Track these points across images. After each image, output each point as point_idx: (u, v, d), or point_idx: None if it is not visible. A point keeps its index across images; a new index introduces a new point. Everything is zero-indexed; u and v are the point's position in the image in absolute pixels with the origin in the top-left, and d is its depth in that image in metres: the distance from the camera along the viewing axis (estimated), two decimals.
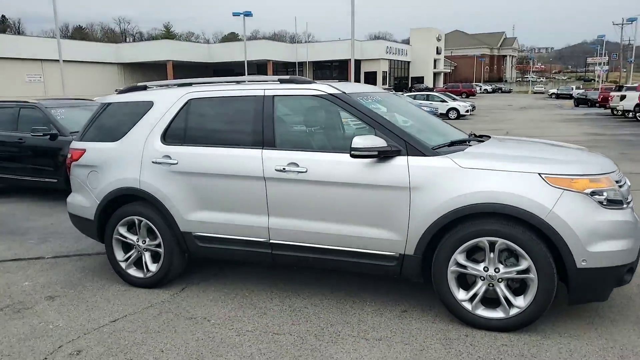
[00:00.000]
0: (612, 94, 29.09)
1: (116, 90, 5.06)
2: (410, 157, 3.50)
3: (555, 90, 63.49)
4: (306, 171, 3.67)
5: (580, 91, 50.69)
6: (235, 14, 38.64)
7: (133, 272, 4.41)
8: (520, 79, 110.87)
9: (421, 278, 3.60)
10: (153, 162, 4.16)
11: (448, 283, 3.46)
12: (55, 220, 6.92)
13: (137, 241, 4.33)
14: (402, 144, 3.54)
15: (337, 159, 3.64)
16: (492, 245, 3.30)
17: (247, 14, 38.41)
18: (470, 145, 3.86)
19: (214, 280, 4.48)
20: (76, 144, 4.62)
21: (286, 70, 55.83)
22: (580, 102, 42.51)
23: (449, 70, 79.46)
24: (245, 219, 3.92)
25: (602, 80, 67.29)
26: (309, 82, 3.96)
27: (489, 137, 4.33)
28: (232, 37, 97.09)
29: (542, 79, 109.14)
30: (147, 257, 4.33)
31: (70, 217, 4.80)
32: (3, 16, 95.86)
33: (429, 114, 4.96)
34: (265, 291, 4.20)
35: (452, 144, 3.86)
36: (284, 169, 3.73)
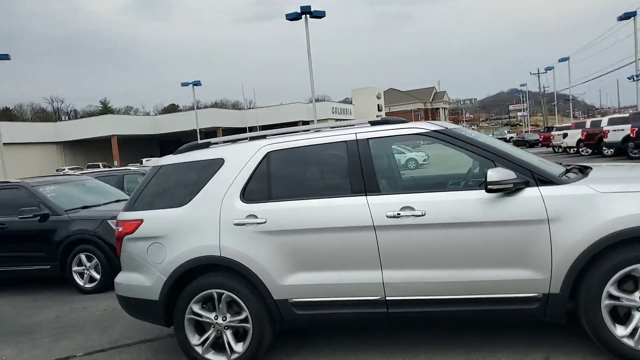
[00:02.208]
0: (553, 133, 31.21)
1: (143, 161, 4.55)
2: (542, 187, 3.24)
3: (491, 136, 67.09)
4: (424, 214, 3.31)
5: (513, 134, 54.77)
6: (184, 84, 38.59)
7: (212, 356, 3.76)
8: None
9: (564, 318, 3.26)
10: (235, 224, 3.66)
11: (603, 319, 3.13)
12: (59, 313, 6.04)
13: (216, 319, 3.72)
14: (528, 174, 3.29)
15: (459, 197, 3.32)
16: None
17: (197, 84, 38.46)
18: (585, 172, 3.66)
19: (304, 353, 3.90)
20: (128, 215, 4.03)
21: None
22: (519, 144, 44.95)
23: None
24: (353, 276, 3.45)
25: (527, 124, 72.88)
26: (404, 122, 3.69)
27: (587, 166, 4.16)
28: (172, 109, 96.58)
29: (473, 127, 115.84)
30: (229, 336, 3.71)
31: (122, 301, 4.11)
32: None
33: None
34: (373, 356, 3.67)
35: (568, 171, 3.66)
36: (398, 214, 3.35)
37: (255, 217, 3.63)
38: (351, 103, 63.82)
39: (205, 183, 3.85)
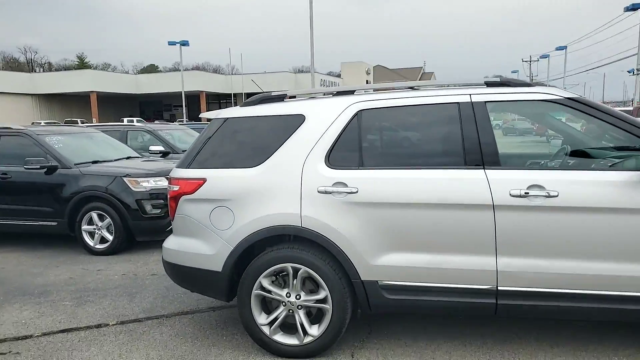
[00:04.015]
0: None
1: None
2: None
3: None
4: (557, 195, 2.89)
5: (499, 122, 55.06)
6: (171, 43, 37.05)
7: (281, 338, 3.32)
8: None
9: None
10: (320, 191, 3.18)
11: None
12: (72, 274, 5.49)
13: (288, 296, 3.27)
14: None
15: (601, 178, 2.89)
16: None
17: (184, 44, 36.97)
18: None
19: (378, 338, 3.50)
20: (186, 172, 3.49)
21: (219, 101, 54.35)
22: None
23: None
24: (460, 261, 3.03)
25: None
26: (529, 85, 3.21)
27: None
28: (151, 69, 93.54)
29: None
30: (302, 316, 3.27)
31: (171, 269, 3.61)
32: None
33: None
34: (454, 346, 3.30)
35: None
36: (526, 193, 2.92)
37: (345, 185, 3.15)
38: (339, 76, 62.78)
39: (283, 142, 3.34)
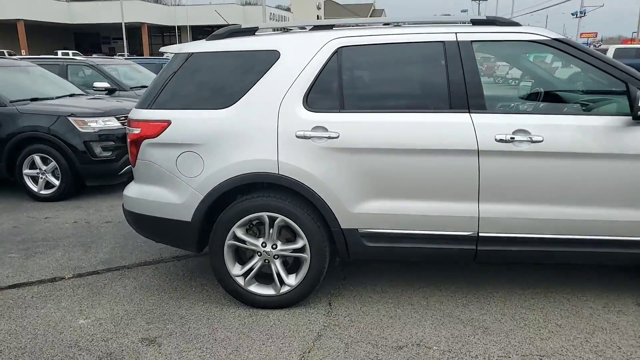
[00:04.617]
0: None
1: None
2: None
3: None
4: (542, 141, 2.81)
5: None
6: None
7: (256, 289, 3.19)
8: None
9: None
10: (298, 136, 2.96)
11: None
12: (16, 223, 5.11)
13: (264, 246, 3.12)
14: None
15: (587, 123, 2.83)
16: None
17: None
18: None
19: (354, 285, 3.44)
20: (147, 113, 3.16)
21: (162, 34, 51.38)
22: None
23: None
24: (441, 208, 2.95)
25: None
26: (515, 24, 3.05)
27: None
28: None
29: None
30: (278, 266, 3.14)
31: (134, 218, 3.35)
32: None
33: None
34: (431, 291, 3.30)
35: None
36: (511, 138, 2.82)
37: (325, 129, 2.95)
38: (289, 10, 60.57)
39: (256, 81, 3.06)
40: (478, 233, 2.95)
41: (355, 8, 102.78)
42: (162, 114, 3.12)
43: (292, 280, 3.14)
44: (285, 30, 3.36)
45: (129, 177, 6.19)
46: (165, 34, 51.12)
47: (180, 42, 45.94)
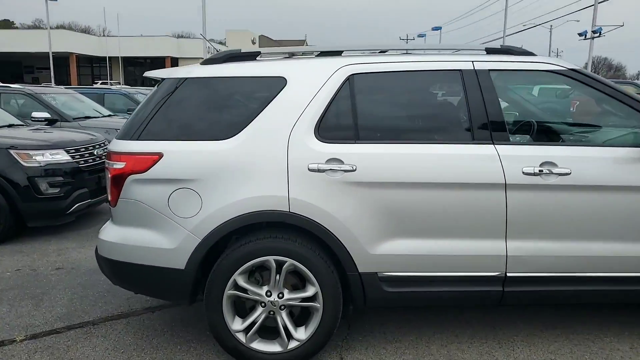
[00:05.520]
0: None
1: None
2: None
3: None
4: (570, 173, 2.68)
5: None
6: None
7: (260, 345, 2.78)
8: None
9: None
10: (310, 169, 2.65)
11: None
12: None
13: (268, 295, 2.73)
14: None
15: (615, 155, 2.73)
16: None
17: None
18: None
19: (362, 335, 3.11)
20: (136, 145, 2.73)
21: (91, 65, 49.25)
22: None
23: None
24: (467, 247, 2.72)
25: None
26: (530, 54, 2.95)
27: None
28: (5, 25, 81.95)
29: None
30: (285, 318, 2.76)
31: (114, 268, 2.86)
32: None
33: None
34: (451, 338, 3.04)
35: None
36: (539, 171, 2.67)
37: (340, 162, 2.66)
38: (223, 44, 60.23)
39: (261, 110, 2.74)
40: (505, 273, 2.75)
41: (289, 44, 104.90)
42: (151, 146, 2.71)
43: (301, 334, 2.77)
44: (289, 56, 3.09)
45: (77, 217, 5.55)
46: (95, 64, 49.10)
47: (111, 73, 44.14)
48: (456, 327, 3.24)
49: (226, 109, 2.81)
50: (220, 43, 59.74)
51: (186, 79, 2.82)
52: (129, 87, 17.38)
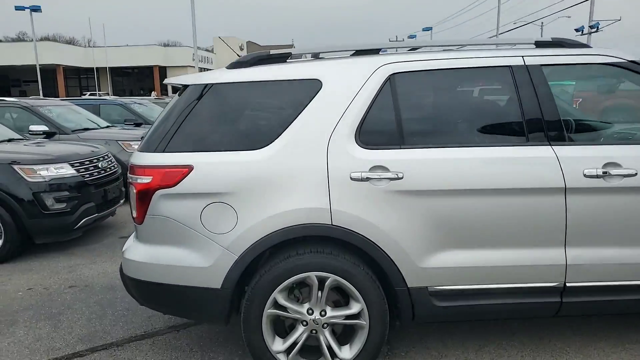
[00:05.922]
0: None
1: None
2: None
3: None
4: (636, 174, 2.52)
5: None
6: (18, 8, 31.91)
7: None
8: None
9: None
10: (353, 178, 2.48)
11: None
12: None
13: (310, 313, 2.56)
14: None
15: None
16: None
17: (35, 9, 32.11)
18: None
19: (404, 350, 2.93)
20: (163, 158, 2.54)
21: (78, 76, 48.72)
22: None
23: None
24: (524, 256, 2.56)
25: None
26: (585, 46, 2.78)
27: None
28: None
29: None
30: (328, 336, 2.58)
31: (142, 289, 2.67)
32: None
33: None
34: (498, 350, 2.88)
35: None
36: (603, 172, 2.51)
37: (386, 169, 2.50)
38: (211, 51, 59.92)
39: (296, 116, 2.57)
40: (565, 283, 2.58)
41: (276, 48, 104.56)
42: (180, 158, 2.52)
43: (346, 353, 2.59)
44: (320, 56, 2.91)
45: (84, 232, 5.32)
46: (82, 75, 48.58)
47: (99, 84, 43.59)
48: (502, 339, 3.08)
49: (258, 115, 2.64)
50: (207, 50, 59.37)
51: (213, 84, 2.64)
52: (117, 97, 17.06)
